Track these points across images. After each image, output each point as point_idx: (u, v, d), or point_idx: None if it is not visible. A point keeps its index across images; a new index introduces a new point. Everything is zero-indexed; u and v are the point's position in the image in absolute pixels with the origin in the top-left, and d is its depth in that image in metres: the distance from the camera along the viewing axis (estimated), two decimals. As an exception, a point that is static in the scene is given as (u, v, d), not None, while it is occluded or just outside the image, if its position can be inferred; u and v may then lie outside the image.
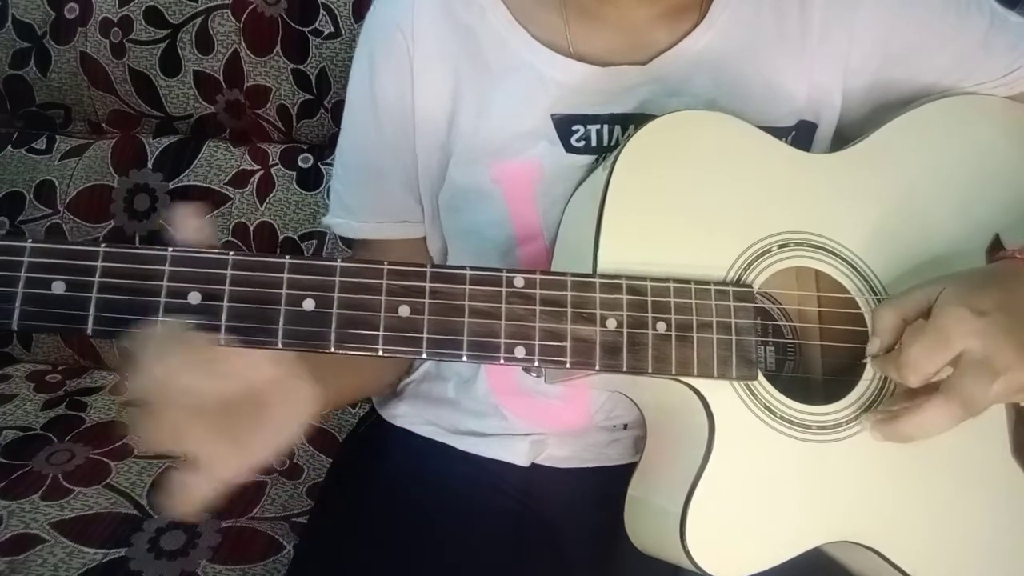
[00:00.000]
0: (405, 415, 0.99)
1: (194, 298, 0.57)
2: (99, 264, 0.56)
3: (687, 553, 0.65)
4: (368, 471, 0.99)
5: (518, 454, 0.91)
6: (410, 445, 0.96)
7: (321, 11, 1.29)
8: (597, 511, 0.87)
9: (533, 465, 0.92)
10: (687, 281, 0.67)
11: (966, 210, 0.80)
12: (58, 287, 0.55)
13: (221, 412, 0.57)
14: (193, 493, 0.57)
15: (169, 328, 0.56)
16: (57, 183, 1.38)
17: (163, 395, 0.55)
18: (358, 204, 0.93)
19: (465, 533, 0.86)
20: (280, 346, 0.58)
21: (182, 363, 0.55)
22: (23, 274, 0.55)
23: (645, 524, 0.74)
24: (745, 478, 0.68)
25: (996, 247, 0.78)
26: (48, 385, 1.33)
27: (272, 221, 1.34)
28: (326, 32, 1.30)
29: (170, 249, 0.57)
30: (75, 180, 1.38)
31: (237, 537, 1.05)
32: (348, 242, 0.97)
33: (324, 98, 1.34)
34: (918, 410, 0.65)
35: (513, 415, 0.91)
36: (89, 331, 0.55)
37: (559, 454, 0.93)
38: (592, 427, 0.90)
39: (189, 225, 0.59)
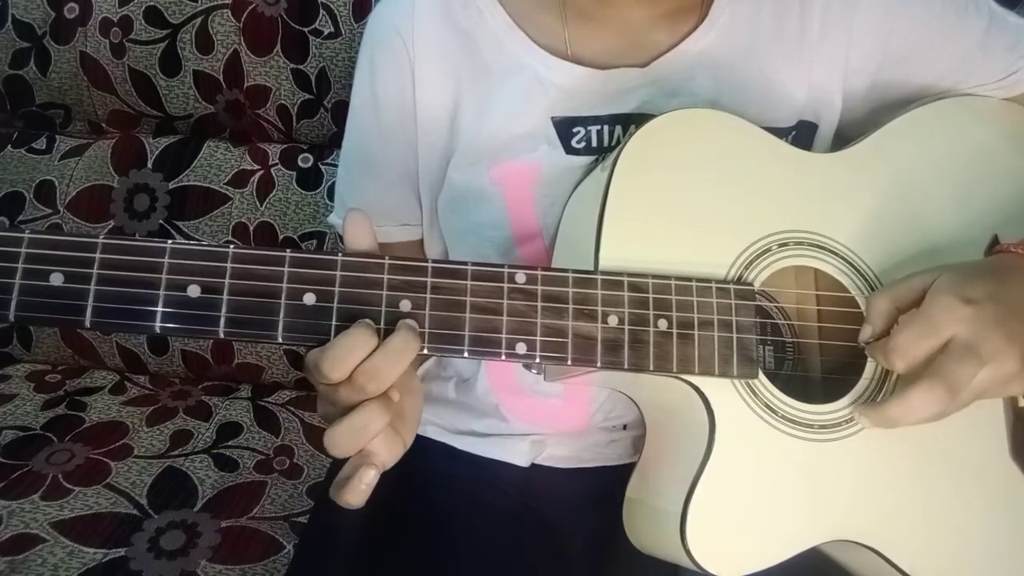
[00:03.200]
0: (405, 415, 0.99)
1: (193, 291, 0.56)
2: (97, 256, 0.55)
3: (687, 552, 0.65)
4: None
5: (518, 454, 0.91)
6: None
7: (321, 11, 1.30)
8: (597, 511, 0.87)
9: (533, 465, 0.92)
10: (688, 279, 0.67)
11: (965, 210, 0.80)
12: (56, 279, 0.55)
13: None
14: (371, 486, 0.60)
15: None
16: (57, 183, 1.38)
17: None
18: (359, 206, 0.93)
19: (465, 533, 0.86)
20: (280, 340, 0.57)
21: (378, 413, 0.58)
22: (20, 265, 0.54)
23: (645, 524, 0.74)
24: (746, 476, 0.67)
25: (994, 247, 0.78)
26: (48, 385, 1.33)
27: (272, 221, 1.35)
28: (326, 32, 1.30)
29: (169, 242, 0.57)
30: (75, 180, 1.38)
31: (237, 537, 1.04)
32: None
33: (324, 98, 1.34)
34: (903, 394, 0.64)
35: (513, 415, 0.91)
36: (87, 324, 0.55)
37: (559, 454, 0.93)
38: (591, 427, 0.90)
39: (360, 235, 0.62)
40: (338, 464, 1.05)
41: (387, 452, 0.60)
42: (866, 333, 0.69)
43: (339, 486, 0.60)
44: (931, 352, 0.64)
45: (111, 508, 1.07)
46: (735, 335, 0.67)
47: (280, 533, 1.06)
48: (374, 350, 0.57)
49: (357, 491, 0.59)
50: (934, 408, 0.63)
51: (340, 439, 0.58)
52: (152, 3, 1.31)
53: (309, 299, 0.58)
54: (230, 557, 1.02)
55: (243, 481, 1.15)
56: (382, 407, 0.57)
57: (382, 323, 0.59)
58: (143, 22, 1.32)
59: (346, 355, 0.57)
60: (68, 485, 1.10)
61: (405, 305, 0.60)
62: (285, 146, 1.40)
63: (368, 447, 0.59)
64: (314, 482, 1.16)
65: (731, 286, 0.68)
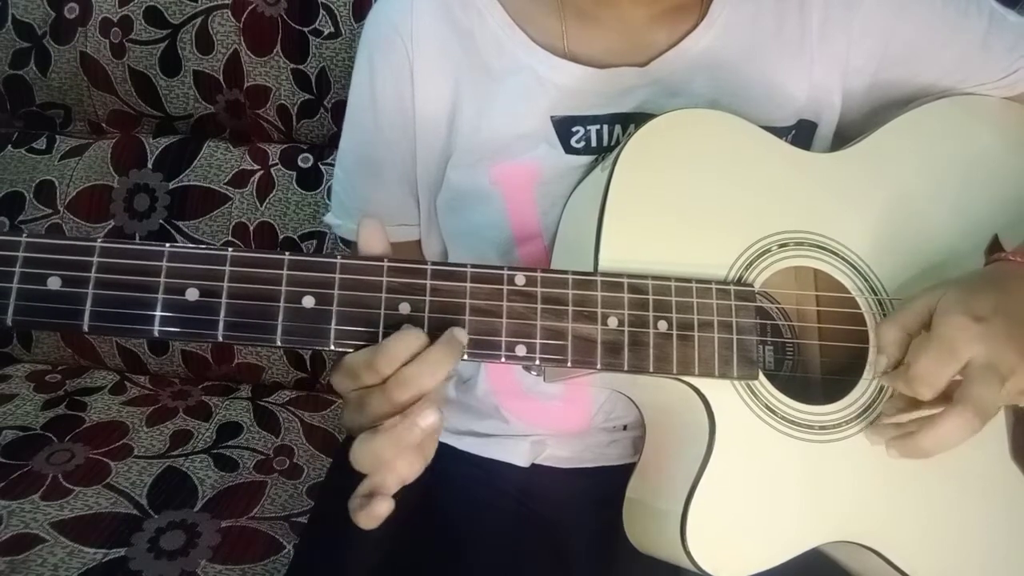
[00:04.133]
0: (405, 415, 0.99)
1: (192, 294, 0.56)
2: (95, 259, 0.55)
3: (688, 553, 0.65)
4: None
5: (518, 454, 0.91)
6: (410, 445, 0.96)
7: (321, 11, 1.30)
8: (597, 511, 0.87)
9: (533, 465, 0.92)
10: (688, 280, 0.67)
11: (965, 209, 0.80)
12: (54, 282, 0.55)
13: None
14: (383, 516, 0.59)
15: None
16: (57, 183, 1.38)
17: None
18: (357, 207, 0.93)
19: (465, 533, 0.86)
20: (279, 343, 0.57)
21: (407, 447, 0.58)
22: (18, 269, 0.54)
23: (645, 524, 0.74)
24: (746, 478, 0.67)
25: (995, 247, 0.79)
26: (48, 385, 1.33)
27: (272, 221, 1.35)
28: (326, 32, 1.30)
29: (167, 245, 0.57)
30: (75, 180, 1.38)
31: (237, 537, 1.05)
32: (348, 243, 0.97)
33: (324, 98, 1.34)
34: (936, 425, 0.64)
35: (513, 416, 0.91)
36: (85, 327, 0.55)
37: (559, 454, 0.93)
38: (592, 428, 0.90)
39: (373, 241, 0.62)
40: (339, 465, 1.07)
41: (408, 470, 0.60)
42: (882, 364, 0.69)
43: (356, 507, 0.59)
44: (953, 375, 0.65)
45: (111, 508, 1.07)
46: (735, 336, 0.67)
47: (280, 533, 1.06)
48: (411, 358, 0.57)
49: (371, 518, 0.58)
50: (967, 434, 0.64)
51: (363, 461, 0.58)
52: (152, 3, 1.31)
53: (308, 302, 0.58)
54: (230, 557, 1.02)
55: (243, 481, 1.15)
56: (408, 432, 0.57)
57: (381, 326, 0.59)
58: (143, 22, 1.32)
59: (403, 353, 0.57)
60: (68, 485, 1.10)
61: (404, 307, 0.60)
62: (285, 146, 1.40)
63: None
64: (314, 482, 1.16)
65: (731, 287, 0.68)
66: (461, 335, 0.60)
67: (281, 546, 1.04)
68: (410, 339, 0.58)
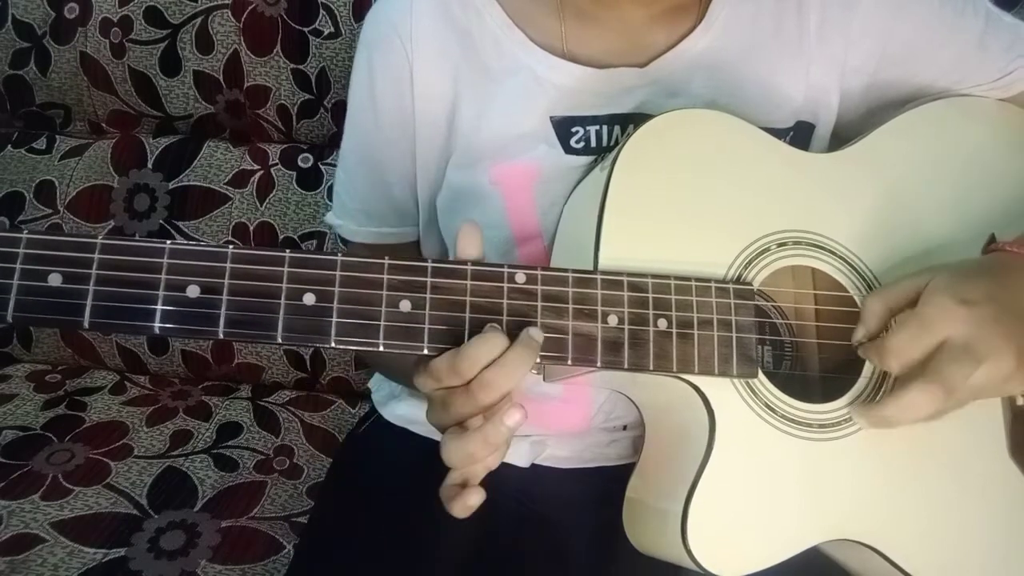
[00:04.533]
0: (405, 415, 0.99)
1: (193, 291, 0.56)
2: (96, 256, 0.55)
3: (688, 552, 0.65)
4: (368, 471, 0.99)
5: (518, 455, 0.91)
6: (410, 445, 0.96)
7: (321, 11, 1.30)
8: (597, 511, 0.87)
9: (533, 465, 0.92)
10: (688, 278, 0.67)
11: (962, 210, 0.80)
12: (54, 279, 0.55)
13: None
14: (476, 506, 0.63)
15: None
16: (57, 183, 1.38)
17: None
18: (357, 207, 0.94)
19: (465, 533, 0.85)
20: (280, 340, 0.57)
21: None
22: (18, 266, 0.54)
23: (645, 524, 0.74)
24: (746, 476, 0.67)
25: (991, 246, 0.78)
26: (48, 385, 1.33)
27: (272, 221, 1.35)
28: (326, 32, 1.30)
29: (168, 242, 0.57)
30: (75, 180, 1.38)
31: (237, 537, 1.04)
32: (348, 243, 0.97)
33: (324, 98, 1.34)
34: (899, 394, 0.64)
35: (513, 416, 0.91)
36: (86, 324, 0.55)
37: (559, 454, 0.93)
38: (592, 428, 0.90)
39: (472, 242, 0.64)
40: (339, 465, 1.07)
41: (495, 462, 0.63)
42: (859, 333, 0.69)
43: (450, 496, 0.63)
44: (926, 353, 0.64)
45: (111, 508, 1.07)
46: (734, 334, 0.67)
47: (280, 533, 1.06)
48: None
49: (466, 508, 0.62)
50: (930, 408, 0.64)
51: (454, 458, 0.62)
52: (152, 3, 1.31)
53: (309, 299, 0.58)
54: (230, 557, 1.01)
55: (243, 481, 1.15)
56: (496, 432, 0.60)
57: (382, 322, 0.59)
58: (143, 22, 1.32)
59: (485, 356, 0.59)
60: (68, 485, 1.10)
61: (405, 305, 0.60)
62: (285, 146, 1.40)
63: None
64: (314, 482, 1.16)
65: (730, 286, 0.68)
66: (537, 334, 0.61)
67: (281, 546, 1.04)
68: (492, 342, 0.59)
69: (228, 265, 0.57)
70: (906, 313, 0.67)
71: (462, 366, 0.59)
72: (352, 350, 0.59)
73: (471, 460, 0.62)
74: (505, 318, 0.62)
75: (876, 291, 0.71)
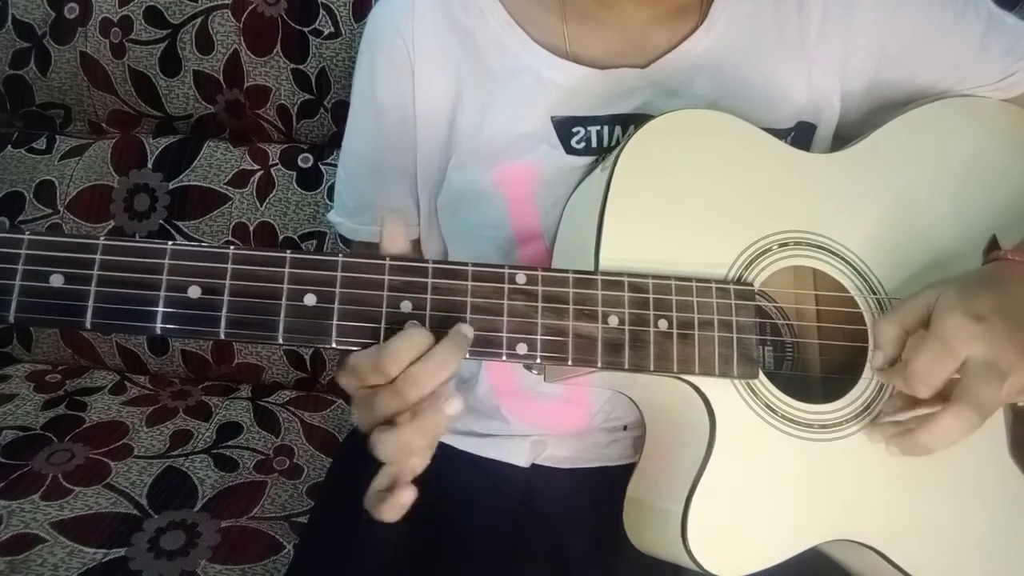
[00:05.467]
0: (405, 415, 0.99)
1: (194, 292, 0.56)
2: (98, 257, 0.55)
3: (688, 552, 0.65)
4: (368, 471, 0.98)
5: (519, 454, 0.91)
6: (410, 445, 0.96)
7: (321, 11, 1.30)
8: (597, 511, 0.86)
9: (533, 465, 0.92)
10: (688, 279, 0.67)
11: (963, 210, 0.80)
12: (56, 280, 0.55)
13: None
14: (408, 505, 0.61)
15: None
16: (57, 183, 1.38)
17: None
18: (358, 206, 0.94)
19: (465, 533, 0.86)
20: (281, 341, 0.58)
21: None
22: (20, 266, 0.54)
23: (645, 524, 0.74)
24: (746, 476, 0.67)
25: (993, 246, 0.79)
26: (48, 385, 1.33)
27: (272, 221, 1.35)
28: (326, 32, 1.30)
29: (169, 243, 0.57)
30: (75, 180, 1.38)
31: (237, 537, 1.04)
32: (348, 242, 0.97)
33: (324, 98, 1.34)
34: (934, 421, 0.65)
35: (513, 416, 0.91)
36: (87, 325, 0.55)
37: (560, 454, 0.93)
38: (592, 428, 0.90)
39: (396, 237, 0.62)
40: (339, 464, 1.07)
41: (422, 462, 0.62)
42: (879, 360, 0.70)
43: (376, 500, 0.61)
44: (950, 374, 0.65)
45: (111, 508, 1.07)
46: (735, 335, 0.67)
47: (280, 533, 1.06)
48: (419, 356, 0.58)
49: (396, 508, 0.60)
50: (966, 432, 0.64)
51: (388, 452, 0.60)
52: (152, 3, 1.31)
53: (310, 300, 0.58)
54: (230, 557, 1.01)
55: (243, 481, 1.15)
56: (434, 420, 0.59)
57: (383, 324, 0.59)
58: (143, 22, 1.32)
59: (409, 352, 0.58)
60: (68, 485, 1.10)
61: (406, 306, 0.60)
62: (285, 146, 1.40)
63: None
64: (314, 482, 1.16)
65: (731, 286, 0.68)
66: (467, 330, 0.60)
67: (281, 546, 1.04)
68: (415, 338, 0.58)
69: (229, 266, 0.57)
70: (922, 335, 0.67)
71: (385, 362, 0.57)
72: (353, 351, 0.59)
73: (406, 450, 0.60)
74: (505, 319, 0.62)
75: (886, 315, 0.71)
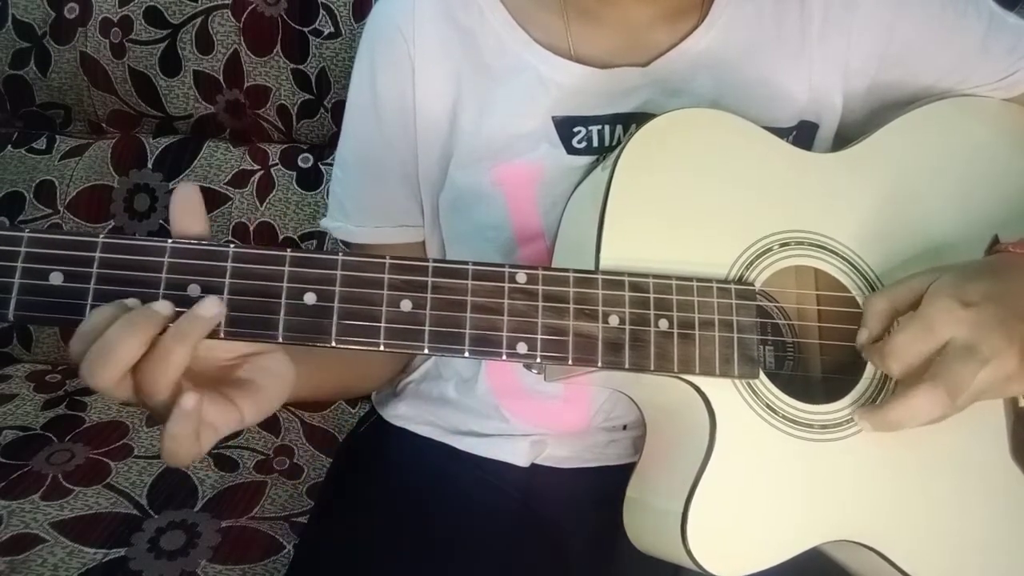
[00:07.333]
0: (405, 415, 0.99)
1: (194, 290, 0.56)
2: (97, 255, 0.55)
3: (688, 552, 0.65)
4: (368, 471, 0.99)
5: (518, 454, 0.91)
6: (410, 445, 0.96)
7: (321, 11, 1.30)
8: (597, 511, 0.87)
9: (533, 465, 0.92)
10: (689, 279, 0.67)
11: (966, 210, 0.80)
12: (56, 278, 0.55)
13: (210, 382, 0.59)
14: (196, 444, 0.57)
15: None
16: (57, 183, 1.38)
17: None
18: (357, 208, 0.93)
19: (465, 533, 0.86)
20: (281, 339, 0.58)
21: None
22: (20, 264, 0.54)
23: (645, 524, 0.74)
24: (746, 476, 0.67)
25: (994, 247, 0.78)
26: (48, 385, 1.32)
27: (272, 221, 1.35)
28: (326, 32, 1.30)
29: (169, 241, 0.57)
30: (75, 180, 1.38)
31: (237, 537, 1.04)
32: (347, 243, 0.97)
33: (324, 98, 1.34)
34: (904, 397, 0.64)
35: (513, 416, 0.91)
36: (87, 323, 0.55)
37: (559, 454, 0.93)
38: (592, 428, 0.90)
39: (187, 211, 0.59)
40: (339, 465, 1.07)
41: (220, 419, 0.59)
42: (863, 336, 0.69)
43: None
44: (928, 354, 0.64)
45: (111, 508, 1.07)
46: (736, 335, 0.67)
47: (280, 533, 1.06)
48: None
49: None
50: (936, 411, 0.63)
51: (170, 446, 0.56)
52: (152, 3, 1.31)
53: (310, 299, 0.58)
54: (230, 557, 1.01)
55: (243, 481, 1.14)
56: (192, 327, 0.55)
57: (383, 324, 0.59)
58: (143, 22, 1.32)
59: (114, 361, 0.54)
60: (68, 485, 1.10)
61: (406, 305, 0.60)
62: (285, 146, 1.40)
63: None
64: (314, 482, 1.16)
65: (732, 286, 0.68)
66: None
67: (281, 546, 1.04)
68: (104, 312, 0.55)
69: (229, 264, 0.57)
70: (909, 315, 0.67)
71: (85, 374, 0.54)
72: (353, 350, 0.59)
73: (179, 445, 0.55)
74: (506, 318, 0.62)
75: (878, 292, 0.71)
